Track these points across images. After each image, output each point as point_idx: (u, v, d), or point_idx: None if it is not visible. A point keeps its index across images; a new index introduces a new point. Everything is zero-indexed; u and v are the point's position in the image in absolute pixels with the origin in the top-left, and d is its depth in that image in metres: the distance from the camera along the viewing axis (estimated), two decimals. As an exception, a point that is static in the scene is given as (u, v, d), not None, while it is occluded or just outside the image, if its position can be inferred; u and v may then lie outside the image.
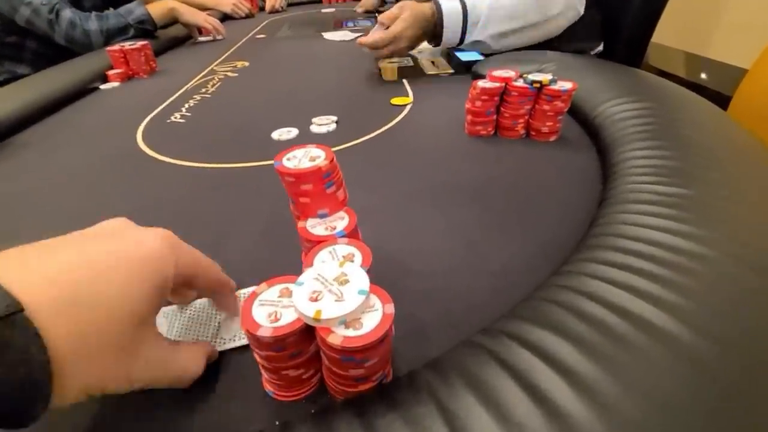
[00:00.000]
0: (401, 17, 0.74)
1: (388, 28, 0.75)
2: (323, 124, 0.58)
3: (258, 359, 0.22)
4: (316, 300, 0.20)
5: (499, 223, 0.37)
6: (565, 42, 0.80)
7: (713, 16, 1.65)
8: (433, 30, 0.75)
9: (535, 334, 0.21)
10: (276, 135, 0.56)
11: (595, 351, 0.20)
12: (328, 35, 1.05)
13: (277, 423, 0.22)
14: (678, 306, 0.22)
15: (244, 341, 0.26)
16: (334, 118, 0.60)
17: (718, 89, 1.63)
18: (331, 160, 0.26)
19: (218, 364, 0.26)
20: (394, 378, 0.23)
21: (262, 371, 0.23)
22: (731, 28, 1.59)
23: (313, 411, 0.23)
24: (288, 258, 0.34)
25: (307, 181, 0.25)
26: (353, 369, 0.20)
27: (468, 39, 0.75)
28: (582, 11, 0.75)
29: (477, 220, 0.38)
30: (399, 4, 0.76)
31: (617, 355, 0.20)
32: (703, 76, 1.74)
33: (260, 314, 0.20)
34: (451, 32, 0.74)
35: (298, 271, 0.32)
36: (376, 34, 0.75)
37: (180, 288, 0.24)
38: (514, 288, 0.30)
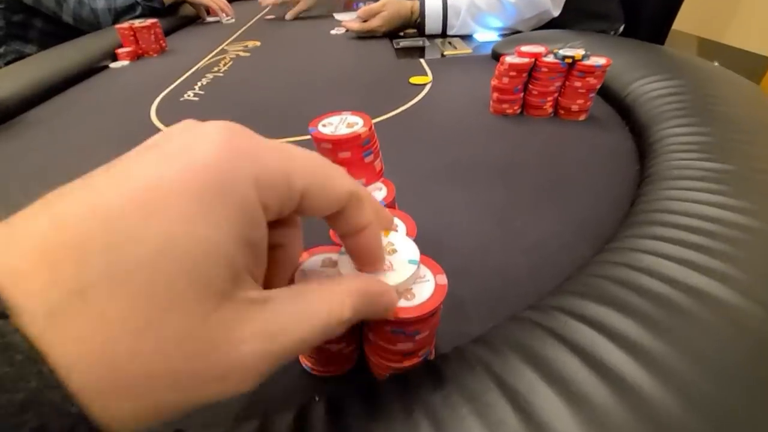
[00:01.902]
0: (380, 14, 0.84)
1: (364, 21, 0.85)
2: None
3: (298, 332, 0.21)
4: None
5: (529, 201, 0.36)
6: (586, 22, 0.78)
7: (730, 2, 1.61)
8: (412, 24, 0.85)
9: (591, 309, 0.20)
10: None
11: (658, 325, 0.19)
12: (340, 16, 1.03)
13: (316, 399, 0.22)
14: (737, 279, 0.21)
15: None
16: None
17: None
18: (370, 128, 0.24)
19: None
20: (440, 354, 0.22)
21: (300, 346, 0.22)
22: (749, 14, 1.55)
23: (353, 387, 0.22)
24: (316, 233, 0.33)
25: (345, 148, 0.24)
26: (402, 342, 0.19)
27: (449, 33, 0.84)
28: (556, 14, 0.78)
29: (506, 198, 0.36)
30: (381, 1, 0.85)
31: (682, 329, 0.19)
32: (716, 63, 1.71)
33: (304, 284, 0.19)
34: (432, 26, 0.83)
35: (328, 243, 0.31)
36: (359, 25, 0.86)
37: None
38: (551, 266, 0.29)
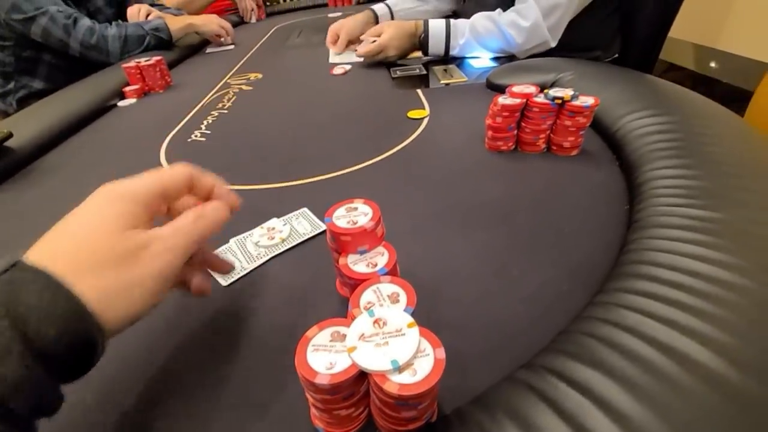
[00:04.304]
0: (386, 31, 0.88)
1: (374, 41, 0.89)
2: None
3: (310, 399, 0.23)
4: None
5: (525, 245, 0.37)
6: (580, 51, 0.80)
7: (724, 8, 1.63)
8: (419, 42, 0.88)
9: (580, 372, 0.22)
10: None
11: (642, 392, 0.20)
12: (336, 59, 0.99)
13: None
14: (722, 343, 0.22)
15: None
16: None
17: (729, 81, 1.61)
18: (378, 219, 0.27)
19: (269, 399, 0.27)
20: (443, 416, 0.23)
21: (313, 409, 0.24)
22: (742, 19, 1.57)
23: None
24: (322, 283, 0.35)
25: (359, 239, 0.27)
26: (406, 411, 0.21)
27: (451, 54, 0.87)
28: (554, 45, 0.80)
29: (503, 242, 0.38)
30: (381, 23, 0.92)
31: (665, 396, 0.20)
32: (713, 64, 1.72)
33: (316, 361, 0.21)
34: (435, 45, 0.86)
35: (335, 297, 0.33)
36: (368, 46, 0.90)
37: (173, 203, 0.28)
38: (550, 316, 0.30)
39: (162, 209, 0.26)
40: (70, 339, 0.18)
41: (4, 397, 0.16)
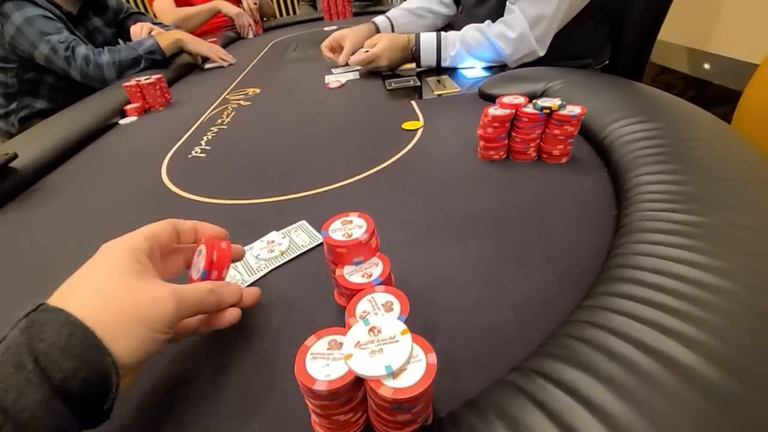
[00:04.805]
0: (380, 43, 0.92)
1: (368, 51, 0.93)
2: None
3: (310, 406, 0.24)
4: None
5: (517, 252, 0.39)
6: (571, 59, 0.82)
7: (714, 11, 1.65)
8: (411, 55, 0.92)
9: (567, 373, 0.23)
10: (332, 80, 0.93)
11: (627, 392, 0.21)
12: (332, 78, 0.97)
13: (329, 464, 0.24)
14: (704, 343, 0.23)
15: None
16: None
17: (721, 83, 1.63)
18: (372, 231, 0.28)
19: (270, 407, 0.28)
20: (437, 419, 0.24)
21: (313, 415, 0.25)
22: (733, 21, 1.60)
23: (361, 452, 0.25)
24: (320, 293, 0.36)
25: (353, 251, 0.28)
26: (401, 415, 0.22)
27: (443, 65, 0.91)
28: (542, 54, 0.83)
29: (495, 250, 0.39)
30: (376, 35, 0.96)
31: (649, 396, 0.21)
32: (706, 66, 1.74)
33: (314, 368, 0.22)
34: (427, 57, 0.90)
35: (333, 306, 0.34)
36: (361, 55, 0.94)
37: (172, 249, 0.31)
38: (539, 321, 0.31)
39: (158, 254, 0.29)
40: (86, 373, 0.20)
41: (26, 428, 0.18)
